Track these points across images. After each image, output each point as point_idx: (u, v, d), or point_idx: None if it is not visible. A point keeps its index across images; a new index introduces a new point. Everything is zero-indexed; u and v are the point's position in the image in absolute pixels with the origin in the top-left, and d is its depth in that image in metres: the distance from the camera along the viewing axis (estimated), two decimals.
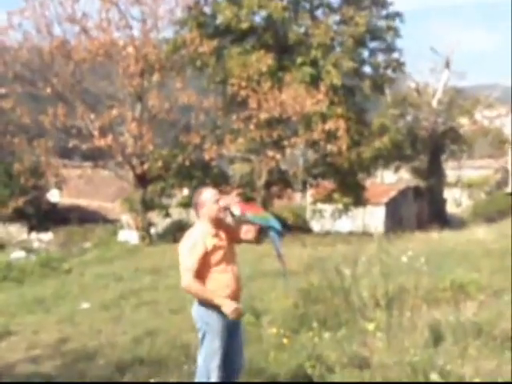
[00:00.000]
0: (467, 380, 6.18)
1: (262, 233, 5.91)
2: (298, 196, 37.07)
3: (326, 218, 34.01)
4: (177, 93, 25.49)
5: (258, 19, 29.11)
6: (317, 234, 29.99)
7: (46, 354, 9.07)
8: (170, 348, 8.30)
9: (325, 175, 29.98)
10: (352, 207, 31.48)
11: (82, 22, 25.16)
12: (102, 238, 30.92)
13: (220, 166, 30.10)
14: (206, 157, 25.77)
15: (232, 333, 5.62)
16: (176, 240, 5.78)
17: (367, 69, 31.18)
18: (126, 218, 32.17)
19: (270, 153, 26.02)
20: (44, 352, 9.24)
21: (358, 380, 6.36)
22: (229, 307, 5.47)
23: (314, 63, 27.82)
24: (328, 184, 30.78)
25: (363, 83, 29.74)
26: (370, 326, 7.57)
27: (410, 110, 41.94)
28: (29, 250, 27.85)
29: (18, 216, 33.35)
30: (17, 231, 35.20)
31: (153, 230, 28.11)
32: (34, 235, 34.68)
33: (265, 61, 26.11)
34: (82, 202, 40.18)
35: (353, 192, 30.13)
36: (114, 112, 24.86)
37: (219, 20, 28.66)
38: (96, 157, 27.82)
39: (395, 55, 30.91)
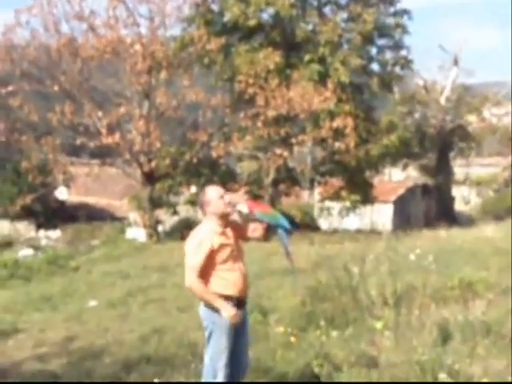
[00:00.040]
0: (476, 379, 6.14)
1: (270, 231, 5.88)
2: (305, 194, 36.99)
3: (334, 216, 33.92)
4: (184, 90, 25.45)
5: (265, 16, 29.09)
6: (324, 232, 29.94)
7: (53, 352, 9.06)
8: (176, 346, 8.29)
9: (332, 173, 29.90)
10: (360, 205, 31.38)
11: (89, 20, 25.14)
12: (109, 236, 30.93)
13: (228, 163, 30.07)
14: (214, 154, 25.73)
15: (238, 332, 5.59)
16: (183, 238, 5.74)
17: (375, 66, 31.14)
18: (133, 215, 32.18)
19: (278, 150, 25.96)
20: (51, 350, 9.23)
21: (365, 379, 6.32)
22: (228, 312, 5.44)
23: (321, 60, 27.76)
24: (336, 182, 30.66)
25: (371, 81, 29.66)
26: (378, 325, 7.55)
27: (418, 107, 41.83)
28: (36, 248, 27.89)
29: (26, 214, 33.39)
30: (25, 229, 35.28)
31: (160, 228, 28.12)
32: (41, 233, 34.75)
33: (272, 58, 26.05)
34: (90, 199, 40.23)
35: (361, 190, 30.04)
36: (122, 110, 24.83)
37: (227, 17, 28.62)
38: (104, 154, 27.82)
39: (403, 52, 30.81)
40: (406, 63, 30.70)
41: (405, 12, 30.67)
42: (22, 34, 25.10)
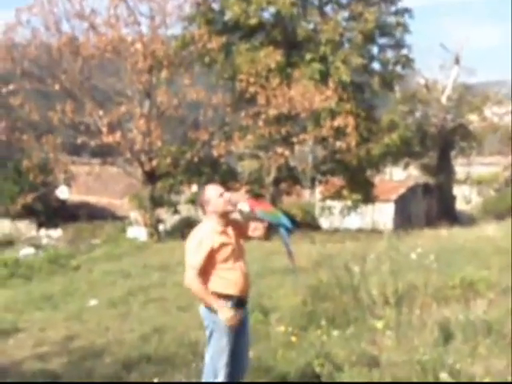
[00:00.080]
0: (477, 379, 6.12)
1: (271, 229, 5.86)
2: (306, 193, 36.98)
3: (335, 215, 33.91)
4: (185, 89, 25.44)
5: (266, 15, 29.05)
6: (325, 231, 29.93)
7: (53, 352, 9.05)
8: (177, 346, 8.28)
9: (334, 172, 29.89)
10: (361, 204, 31.38)
11: (90, 19, 25.13)
12: (110, 235, 30.92)
13: (229, 162, 30.05)
14: (215, 153, 25.71)
15: (239, 331, 5.58)
16: (184, 237, 5.73)
17: (376, 65, 31.12)
18: (134, 214, 32.19)
19: (279, 149, 25.94)
20: (51, 349, 9.23)
21: (366, 379, 6.31)
22: (225, 314, 5.42)
23: (322, 59, 27.72)
24: (337, 181, 30.67)
25: (372, 79, 29.62)
26: (379, 324, 7.53)
27: (420, 106, 41.80)
28: (37, 247, 27.88)
29: (27, 213, 33.39)
30: (26, 228, 35.30)
31: (161, 227, 28.13)
32: (42, 232, 34.76)
33: (273, 57, 26.03)
34: (91, 198, 40.23)
35: (362, 189, 30.02)
36: (123, 108, 24.81)
37: (228, 16, 28.59)
38: (104, 153, 27.82)
39: (404, 51, 30.74)
40: (407, 62, 30.65)
41: (406, 11, 30.62)
42: (23, 32, 25.15)
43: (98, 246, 26.61)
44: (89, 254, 23.60)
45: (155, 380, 6.92)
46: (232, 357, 5.54)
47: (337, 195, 30.84)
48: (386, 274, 8.70)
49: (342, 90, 26.36)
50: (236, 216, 5.80)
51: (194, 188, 30.42)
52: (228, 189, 5.87)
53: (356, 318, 8.24)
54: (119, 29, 25.08)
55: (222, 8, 29.16)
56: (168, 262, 17.08)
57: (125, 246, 24.89)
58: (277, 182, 28.36)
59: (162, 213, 29.48)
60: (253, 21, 27.61)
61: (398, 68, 30.79)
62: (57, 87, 24.70)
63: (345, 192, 29.97)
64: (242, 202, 5.77)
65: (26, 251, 25.89)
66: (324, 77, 26.82)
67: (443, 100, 40.94)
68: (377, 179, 34.51)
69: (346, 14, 30.04)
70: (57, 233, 34.18)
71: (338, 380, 6.39)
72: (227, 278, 5.49)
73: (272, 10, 28.64)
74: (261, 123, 25.18)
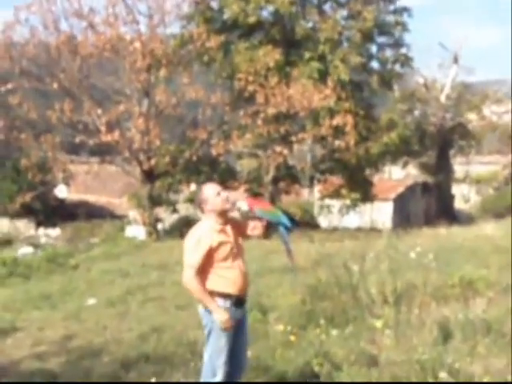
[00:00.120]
0: (476, 378, 6.10)
1: (270, 228, 5.84)
2: (305, 192, 37.00)
3: (334, 214, 33.91)
4: (184, 88, 25.42)
5: (265, 14, 29.02)
6: (324, 230, 29.92)
7: (52, 351, 9.03)
8: (176, 345, 8.26)
9: (332, 171, 29.88)
10: (360, 203, 31.38)
11: (88, 17, 25.08)
12: (109, 234, 30.91)
13: (227, 161, 30.04)
14: (214, 152, 25.69)
15: (238, 330, 5.56)
16: (183, 236, 5.72)
17: (375, 64, 31.08)
18: (133, 213, 32.17)
19: (278, 148, 25.92)
20: (49, 349, 9.21)
21: (365, 378, 6.29)
22: (221, 317, 5.40)
23: (321, 58, 27.70)
24: (336, 179, 30.67)
25: (371, 78, 29.62)
26: (378, 323, 7.51)
27: (418, 105, 41.79)
28: (36, 246, 27.85)
29: (26, 212, 33.37)
30: (24, 227, 35.27)
31: (160, 226, 28.10)
32: (41, 231, 34.74)
33: (272, 56, 26.02)
34: (90, 197, 40.21)
35: (360, 188, 30.03)
36: (121, 107, 24.79)
37: (226, 15, 28.56)
38: (103, 152, 27.77)
39: (403, 50, 30.72)
40: (406, 61, 30.63)
41: (405, 9, 30.60)
42: (22, 31, 25.08)
43: (97, 245, 26.60)
44: (87, 252, 23.57)
45: (153, 379, 6.90)
46: (230, 356, 5.53)
47: (335, 194, 30.85)
48: (385, 272, 8.69)
49: (341, 89, 26.34)
50: (235, 215, 5.78)
51: (193, 187, 30.41)
52: (227, 188, 5.86)
53: (355, 317, 8.22)
54: (118, 27, 25.04)
55: (220, 7, 29.14)
56: (167, 261, 17.07)
57: (123, 244, 24.87)
58: (276, 180, 28.35)
59: (161, 212, 29.46)
60: (251, 19, 27.59)
61: (397, 67, 30.78)
62: (55, 86, 24.66)
63: (344, 191, 29.97)
64: (241, 201, 5.75)
65: (25, 250, 25.87)
66: (323, 75, 26.80)
67: (442, 99, 40.95)
68: (376, 178, 34.49)
69: (344, 12, 30.03)
70: (55, 232, 34.16)
71: (336, 379, 6.37)
72: (226, 277, 5.47)
73: (271, 8, 28.63)
74: (259, 122, 25.16)
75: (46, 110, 24.46)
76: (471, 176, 47.37)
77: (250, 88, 25.02)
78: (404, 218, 36.59)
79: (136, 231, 27.95)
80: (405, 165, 41.48)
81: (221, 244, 5.44)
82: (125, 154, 25.56)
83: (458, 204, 44.26)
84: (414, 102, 41.13)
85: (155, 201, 27.12)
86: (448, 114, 41.42)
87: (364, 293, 8.46)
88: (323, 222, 34.90)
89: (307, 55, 27.59)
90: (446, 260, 10.31)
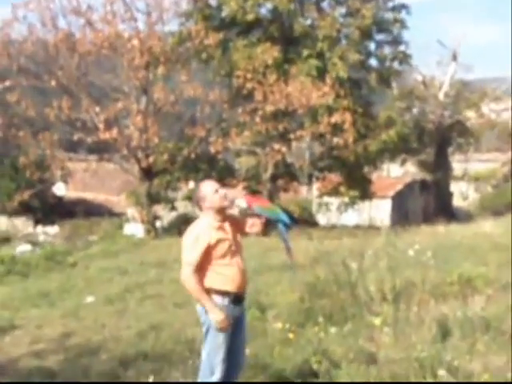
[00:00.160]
0: (475, 376, 6.09)
1: (269, 225, 5.83)
2: (303, 189, 36.98)
3: (332, 212, 33.90)
4: (182, 85, 25.37)
5: (263, 11, 28.97)
6: (323, 228, 29.91)
7: (50, 349, 9.02)
8: (174, 342, 8.26)
9: (331, 168, 29.86)
10: (358, 200, 31.36)
11: (86, 15, 25.05)
12: (107, 232, 30.88)
13: (226, 159, 30.01)
14: (212, 150, 25.67)
15: (236, 328, 5.54)
16: (181, 233, 5.70)
17: (373, 61, 31.03)
18: (131, 211, 32.13)
19: (276, 146, 25.90)
20: (47, 346, 9.20)
21: (364, 375, 6.27)
22: (216, 317, 5.38)
23: (320, 56, 27.67)
24: (334, 177, 30.65)
25: (369, 76, 29.58)
26: (377, 321, 7.50)
27: (417, 102, 41.80)
28: (34, 244, 27.83)
29: (24, 209, 33.33)
30: (22, 224, 35.22)
31: (158, 224, 28.07)
32: (39, 228, 34.69)
33: (270, 53, 25.99)
34: (88, 195, 40.17)
35: (359, 185, 30.00)
36: (119, 105, 24.76)
37: (225, 12, 28.50)
38: (101, 150, 27.73)
39: (402, 48, 30.70)
40: (405, 58, 30.60)
41: (403, 7, 30.55)
42: (20, 28, 25.04)
43: (95, 243, 26.57)
44: (85, 250, 23.56)
45: (152, 377, 6.89)
46: (228, 354, 5.51)
47: (334, 192, 30.83)
48: (384, 270, 8.68)
49: (340, 87, 26.33)
50: (233, 212, 5.76)
51: (191, 185, 30.36)
52: (225, 185, 5.84)
53: (353, 315, 8.21)
54: (116, 25, 25.00)
55: (219, 4, 29.08)
56: (165, 259, 17.06)
57: (122, 242, 24.84)
58: (274, 178, 28.33)
59: (159, 209, 29.43)
60: (250, 17, 27.55)
61: (396, 64, 30.74)
62: (53, 83, 24.60)
63: (342, 188, 29.95)
64: (240, 199, 5.74)
65: (23, 248, 25.85)
66: (321, 73, 26.79)
67: (440, 96, 40.94)
68: (374, 176, 34.48)
69: (343, 9, 29.99)
70: (53, 229, 34.12)
71: (335, 377, 6.35)
72: (224, 274, 5.45)
73: (269, 5, 28.61)
74: (258, 119, 25.14)
75: (44, 107, 24.43)
76: (470, 174, 47.39)
77: (249, 85, 25.00)
78: (402, 215, 36.58)
79: (134, 229, 27.93)
80: (403, 162, 41.52)
81: (219, 241, 5.42)
82: (123, 151, 25.53)
83: (457, 202, 44.29)
84: (412, 100, 41.14)
85: (153, 198, 27.09)
86: (446, 112, 41.43)
87: (363, 290, 8.45)
88: (322, 219, 34.88)
89: (305, 53, 27.56)
90: (444, 258, 10.31)
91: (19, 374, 7.90)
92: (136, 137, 24.84)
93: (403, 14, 30.48)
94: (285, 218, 5.88)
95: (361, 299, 8.35)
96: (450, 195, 42.26)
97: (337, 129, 25.72)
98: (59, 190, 38.18)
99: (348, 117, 25.33)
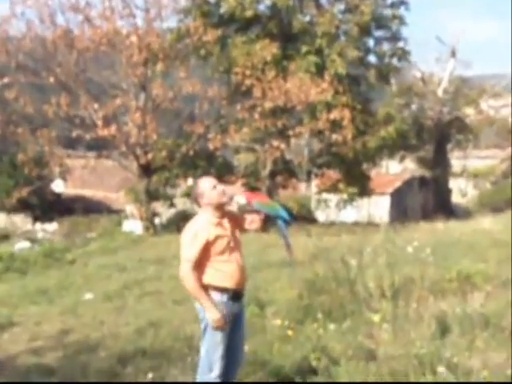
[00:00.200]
0: (475, 372, 6.07)
1: (268, 221, 5.81)
2: (302, 186, 36.97)
3: (331, 208, 33.89)
4: (181, 82, 25.35)
5: (262, 8, 29.01)
6: (322, 225, 29.90)
7: (48, 346, 9.00)
8: (173, 339, 8.24)
9: (330, 165, 29.86)
10: (357, 197, 31.35)
11: (85, 11, 25.01)
12: (106, 229, 30.89)
13: (224, 155, 29.99)
14: (211, 146, 25.64)
15: (234, 325, 5.53)
16: (180, 230, 5.67)
17: (372, 58, 31.05)
18: (130, 208, 32.13)
19: (275, 142, 25.90)
20: (46, 343, 9.17)
21: (363, 372, 6.25)
22: (212, 315, 5.36)
23: (318, 52, 27.65)
24: (333, 174, 30.66)
25: (368, 72, 29.58)
26: (376, 318, 7.49)
27: (416, 99, 41.78)
28: (33, 241, 27.81)
29: (23, 206, 33.34)
30: (21, 221, 35.25)
31: (157, 221, 28.06)
32: (38, 226, 34.69)
33: (269, 49, 25.97)
34: (87, 192, 40.17)
35: (358, 182, 30.00)
36: (118, 101, 24.73)
37: (223, 9, 28.46)
38: (100, 147, 27.73)
39: (400, 44, 30.68)
40: (404, 55, 30.57)
41: (402, 3, 30.51)
42: (18, 25, 25.06)
43: (94, 240, 26.57)
44: (84, 247, 23.55)
45: (150, 374, 6.88)
46: (227, 350, 5.49)
47: (333, 188, 30.83)
48: (383, 267, 8.67)
49: (338, 83, 26.33)
50: (232, 208, 5.74)
51: (190, 181, 30.34)
52: (224, 182, 5.82)
53: (352, 312, 8.19)
54: (114, 21, 24.97)
55: (217, 0, 29.03)
56: (164, 256, 17.04)
57: (120, 239, 24.85)
58: (273, 175, 28.32)
59: (158, 206, 29.42)
60: (248, 13, 27.53)
61: (394, 61, 30.74)
62: (52, 80, 24.57)
63: (341, 185, 29.95)
64: (239, 195, 5.72)
65: (22, 245, 25.83)
66: (320, 69, 26.78)
67: (439, 93, 40.94)
68: (373, 172, 34.51)
69: (342, 6, 30.00)
70: (52, 226, 34.12)
71: (334, 374, 6.33)
72: (223, 271, 5.42)
73: (268, 2, 28.65)
74: (257, 116, 25.12)
75: (43, 104, 24.40)
76: (468, 170, 47.41)
77: (247, 82, 24.98)
78: (401, 212, 36.59)
79: (133, 226, 27.93)
80: (402, 159, 41.52)
81: (217, 237, 5.40)
82: (122, 148, 25.51)
83: (456, 198, 44.31)
84: (411, 96, 41.11)
85: (152, 195, 27.07)
86: (445, 108, 41.43)
87: (362, 287, 8.44)
88: (320, 216, 34.88)
89: (304, 49, 27.54)
90: (443, 254, 10.29)
91: (18, 371, 7.87)
92: (134, 133, 24.82)
93: (402, 11, 30.52)
94: (284, 214, 5.86)
95: (360, 296, 8.33)
96: (448, 192, 42.27)
97: (335, 125, 25.72)
98: (58, 186, 38.21)
99: (347, 113, 25.33)
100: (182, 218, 24.91)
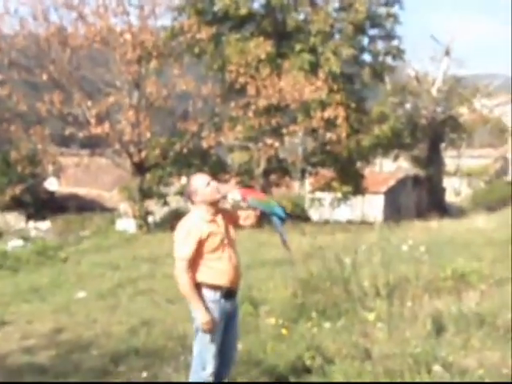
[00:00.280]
0: (470, 371, 6.04)
1: (263, 218, 5.77)
2: (296, 185, 36.95)
3: (325, 207, 33.89)
4: (174, 80, 25.26)
5: (256, 5, 28.98)
6: (315, 223, 29.85)
7: (41, 344, 8.94)
8: (166, 338, 8.19)
9: (324, 163, 29.85)
10: (351, 196, 31.36)
11: (78, 8, 24.92)
12: (99, 227, 30.81)
13: (218, 154, 29.95)
14: (205, 145, 25.57)
15: (228, 324, 5.48)
16: (173, 228, 5.61)
17: (367, 56, 31.08)
18: (123, 206, 32.05)
19: (269, 141, 25.87)
20: (38, 342, 9.11)
21: (358, 371, 6.21)
22: (202, 317, 5.31)
23: (312, 50, 27.65)
24: (327, 172, 30.66)
25: (362, 71, 29.60)
26: (371, 316, 7.45)
27: (410, 98, 41.84)
28: (26, 239, 27.70)
29: (16, 204, 33.24)
30: (14, 220, 35.11)
31: (150, 219, 27.97)
32: (31, 224, 34.57)
33: (263, 47, 25.92)
34: (80, 190, 40.07)
35: (352, 180, 30.02)
36: (111, 99, 24.66)
37: (217, 6, 28.40)
38: (93, 145, 27.66)
39: (395, 42, 30.72)
40: (398, 53, 30.60)
41: (396, 1, 30.55)
42: (11, 22, 24.89)
43: (87, 238, 26.48)
44: (77, 245, 23.47)
45: (144, 373, 6.83)
46: (220, 349, 5.45)
47: (327, 187, 30.85)
48: (377, 265, 8.62)
49: (332, 81, 26.30)
50: (226, 205, 5.70)
51: (184, 180, 30.29)
52: (218, 180, 5.77)
53: (347, 310, 8.14)
54: (108, 19, 24.86)
55: None
56: (157, 254, 17.01)
57: (114, 237, 24.79)
58: (266, 173, 28.29)
59: (152, 204, 29.33)
60: (243, 11, 27.50)
61: (389, 59, 30.81)
62: (45, 78, 24.46)
63: (335, 184, 29.98)
64: (234, 191, 5.68)
65: (15, 243, 25.71)
66: (314, 68, 26.76)
67: (433, 92, 40.98)
68: (367, 171, 34.50)
69: (336, 4, 29.98)
70: (45, 225, 34.01)
71: (329, 373, 6.29)
72: (216, 268, 5.36)
73: (262, 0, 28.54)
74: (251, 114, 25.09)
75: (36, 101, 24.33)
76: (462, 169, 47.51)
77: (241, 80, 24.94)
78: (395, 211, 36.61)
79: (126, 224, 27.85)
80: (396, 158, 41.54)
81: (211, 234, 5.33)
82: (115, 146, 25.44)
83: (449, 197, 44.38)
84: (405, 95, 41.17)
85: (146, 193, 27.01)
86: (439, 107, 41.49)
87: (356, 286, 8.39)
88: (314, 215, 34.86)
89: (298, 47, 27.53)
90: (437, 253, 10.27)
91: (9, 370, 7.81)
92: (128, 131, 24.74)
93: (396, 9, 30.56)
94: (279, 211, 5.82)
95: (354, 294, 8.28)
96: (442, 191, 42.34)
97: (330, 124, 25.70)
98: (51, 185, 38.10)
99: (341, 112, 25.32)
100: (176, 217, 24.68)
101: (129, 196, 28.66)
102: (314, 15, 27.94)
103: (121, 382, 6.99)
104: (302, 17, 29.06)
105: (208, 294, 5.34)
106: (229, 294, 5.45)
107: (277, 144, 25.94)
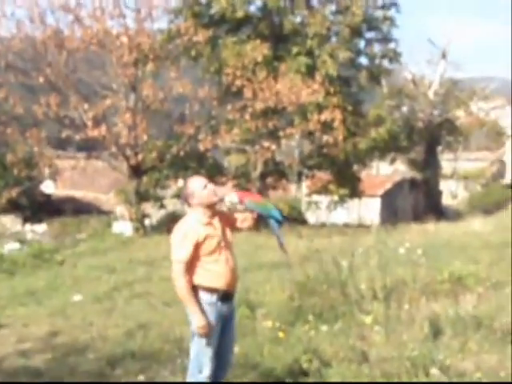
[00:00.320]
0: (468, 374, 6.04)
1: (261, 220, 5.76)
2: (293, 187, 36.93)
3: (322, 210, 33.88)
4: (171, 83, 25.22)
5: (253, 8, 28.99)
6: (312, 226, 29.85)
7: (37, 348, 8.90)
8: (162, 341, 8.16)
9: (320, 166, 29.84)
10: (347, 199, 31.35)
11: (75, 11, 24.83)
12: (96, 230, 30.71)
13: (215, 157, 29.93)
14: (201, 147, 25.53)
15: (225, 327, 5.46)
16: (170, 231, 5.60)
17: (363, 59, 31.08)
18: (120, 209, 31.99)
19: (266, 143, 25.85)
20: (34, 345, 9.07)
21: (355, 374, 6.20)
22: (197, 322, 5.30)
23: (309, 53, 27.66)
24: (324, 175, 30.65)
25: (359, 74, 29.61)
26: (368, 319, 7.45)
27: (406, 101, 41.88)
28: (22, 242, 27.62)
29: (12, 207, 33.11)
30: (11, 222, 34.99)
31: (147, 222, 27.92)
32: (27, 227, 34.48)
33: (260, 50, 25.90)
34: (77, 193, 39.99)
35: (348, 183, 30.01)
36: (108, 102, 24.61)
37: (214, 9, 28.39)
38: (90, 147, 27.59)
39: (391, 46, 30.73)
40: (395, 56, 30.61)
41: (393, 4, 30.59)
42: (7, 25, 24.83)
43: (83, 241, 26.41)
44: (74, 248, 23.39)
45: (140, 376, 6.81)
46: (217, 352, 5.44)
47: (323, 190, 30.84)
48: (375, 268, 8.62)
49: (329, 84, 26.29)
50: (223, 208, 5.69)
51: (180, 183, 30.25)
52: (214, 183, 5.75)
53: (344, 313, 8.14)
54: (104, 21, 24.79)
55: (208, 1, 28.94)
56: (154, 257, 16.97)
57: (110, 240, 24.71)
58: (263, 176, 28.27)
59: (148, 207, 29.29)
60: (239, 14, 27.50)
61: (385, 62, 30.80)
62: (41, 80, 24.40)
63: (331, 187, 29.98)
64: (232, 194, 5.67)
65: (11, 246, 25.63)
66: (311, 70, 26.76)
67: (430, 95, 41.03)
68: (363, 174, 34.51)
69: (333, 7, 29.99)
70: (42, 228, 33.91)
71: (326, 376, 6.28)
72: (213, 271, 5.35)
73: (259, 3, 28.67)
74: (247, 117, 25.06)
75: (32, 104, 24.24)
76: (459, 172, 47.56)
77: (238, 83, 24.90)
78: (392, 213, 36.63)
79: (123, 227, 27.77)
80: (392, 161, 41.56)
81: (207, 237, 5.33)
82: (111, 149, 25.36)
83: (446, 200, 44.41)
84: (402, 98, 41.22)
85: (142, 196, 26.95)
86: (436, 110, 41.55)
87: (353, 289, 8.39)
88: (311, 217, 34.84)
89: (295, 50, 27.54)
90: (434, 256, 10.28)
91: (5, 373, 7.78)
92: (125, 134, 24.69)
93: (393, 12, 30.58)
94: (276, 214, 5.81)
95: (351, 297, 8.28)
96: (439, 194, 42.37)
97: (326, 127, 25.70)
98: (47, 187, 38.01)
99: (338, 114, 25.31)
100: (172, 220, 24.71)
101: (125, 199, 28.60)
102: (310, 18, 27.95)
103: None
104: (298, 20, 29.07)
105: (205, 296, 5.33)
106: (226, 296, 5.44)
107: (273, 147, 25.91)
